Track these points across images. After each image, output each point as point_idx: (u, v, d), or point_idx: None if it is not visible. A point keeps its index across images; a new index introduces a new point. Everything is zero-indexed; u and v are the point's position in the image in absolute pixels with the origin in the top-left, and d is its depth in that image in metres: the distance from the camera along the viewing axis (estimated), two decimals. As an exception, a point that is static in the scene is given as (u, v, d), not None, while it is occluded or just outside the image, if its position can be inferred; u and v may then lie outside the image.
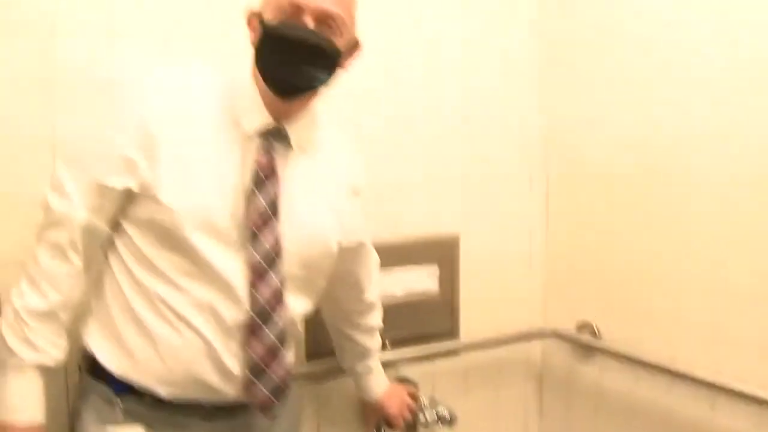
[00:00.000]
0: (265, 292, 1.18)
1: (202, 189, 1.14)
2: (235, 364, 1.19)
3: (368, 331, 1.55)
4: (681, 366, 1.63)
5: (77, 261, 1.14)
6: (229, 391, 1.20)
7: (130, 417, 1.16)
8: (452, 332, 1.91)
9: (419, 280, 1.86)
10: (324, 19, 1.14)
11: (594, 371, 1.93)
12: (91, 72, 1.35)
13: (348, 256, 1.39)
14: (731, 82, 1.52)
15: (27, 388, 1.12)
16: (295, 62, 1.14)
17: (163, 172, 1.11)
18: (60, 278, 1.13)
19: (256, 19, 1.18)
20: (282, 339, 1.21)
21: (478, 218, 1.95)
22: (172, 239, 1.13)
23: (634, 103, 1.74)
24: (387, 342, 1.75)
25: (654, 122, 1.69)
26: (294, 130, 1.22)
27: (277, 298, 1.19)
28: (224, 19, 1.48)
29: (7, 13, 1.32)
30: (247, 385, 1.20)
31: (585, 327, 1.94)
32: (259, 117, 1.18)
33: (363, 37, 1.25)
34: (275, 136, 1.20)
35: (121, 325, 1.17)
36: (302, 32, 1.13)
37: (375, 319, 1.55)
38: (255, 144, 1.18)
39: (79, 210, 1.12)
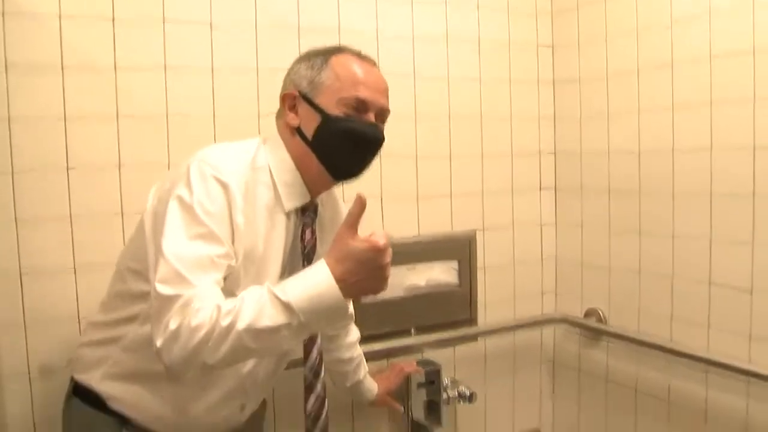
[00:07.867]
0: (315, 353, 1.34)
1: (263, 277, 1.21)
2: (252, 402, 1.36)
3: (353, 346, 1.64)
4: (676, 345, 1.80)
5: None
6: (242, 420, 1.36)
7: None
8: (471, 320, 2.08)
9: (441, 274, 2.03)
10: (381, 114, 1.28)
11: (601, 353, 2.09)
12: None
13: None
14: (704, 117, 1.74)
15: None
16: (361, 154, 1.27)
17: (239, 262, 1.17)
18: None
19: (304, 103, 1.24)
20: (325, 391, 1.37)
21: (493, 219, 2.12)
22: None
23: (628, 129, 1.96)
24: (412, 329, 1.95)
25: (644, 146, 1.92)
26: (321, 203, 1.35)
27: (321, 356, 1.37)
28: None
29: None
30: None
31: (592, 314, 2.10)
32: (300, 198, 1.27)
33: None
34: (312, 211, 1.30)
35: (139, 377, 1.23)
36: (370, 129, 1.24)
37: (354, 333, 1.64)
38: (293, 218, 1.27)
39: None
